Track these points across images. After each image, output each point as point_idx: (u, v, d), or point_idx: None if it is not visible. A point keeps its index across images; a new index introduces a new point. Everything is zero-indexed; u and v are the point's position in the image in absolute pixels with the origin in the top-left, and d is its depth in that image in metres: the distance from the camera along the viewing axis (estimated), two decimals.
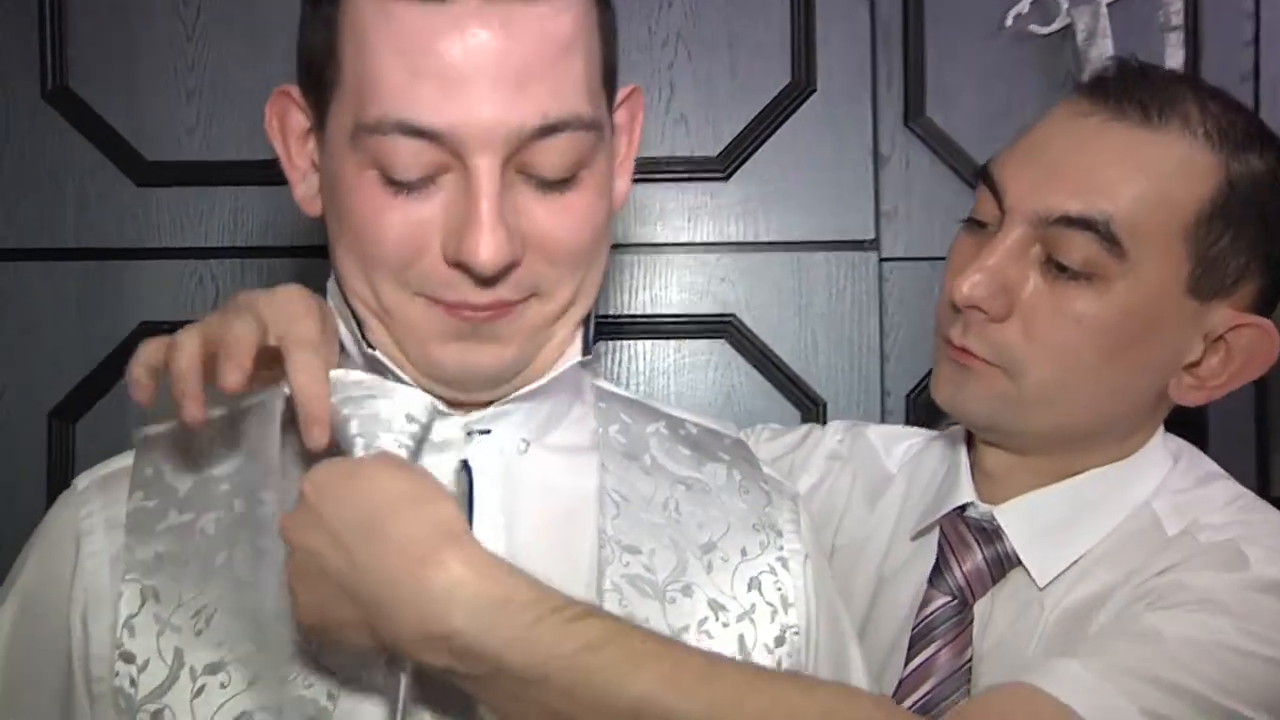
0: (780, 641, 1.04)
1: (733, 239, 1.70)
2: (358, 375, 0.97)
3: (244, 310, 0.97)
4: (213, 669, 0.96)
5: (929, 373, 1.63)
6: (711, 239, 1.70)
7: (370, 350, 1.00)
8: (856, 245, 1.69)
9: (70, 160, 1.69)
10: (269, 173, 1.59)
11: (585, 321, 1.03)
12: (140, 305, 1.69)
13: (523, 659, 0.88)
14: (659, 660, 0.91)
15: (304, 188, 1.02)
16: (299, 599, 0.91)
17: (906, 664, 1.21)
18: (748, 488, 1.10)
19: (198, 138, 1.69)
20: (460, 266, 0.93)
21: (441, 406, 0.99)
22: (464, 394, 1.00)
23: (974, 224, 1.22)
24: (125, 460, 1.04)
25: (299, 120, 1.01)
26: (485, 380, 0.99)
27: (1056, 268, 1.15)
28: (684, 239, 1.70)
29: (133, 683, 0.95)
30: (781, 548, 1.07)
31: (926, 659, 1.21)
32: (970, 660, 1.20)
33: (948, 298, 1.20)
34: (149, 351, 0.96)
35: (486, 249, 0.92)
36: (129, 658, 0.96)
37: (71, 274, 1.69)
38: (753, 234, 1.70)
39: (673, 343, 1.70)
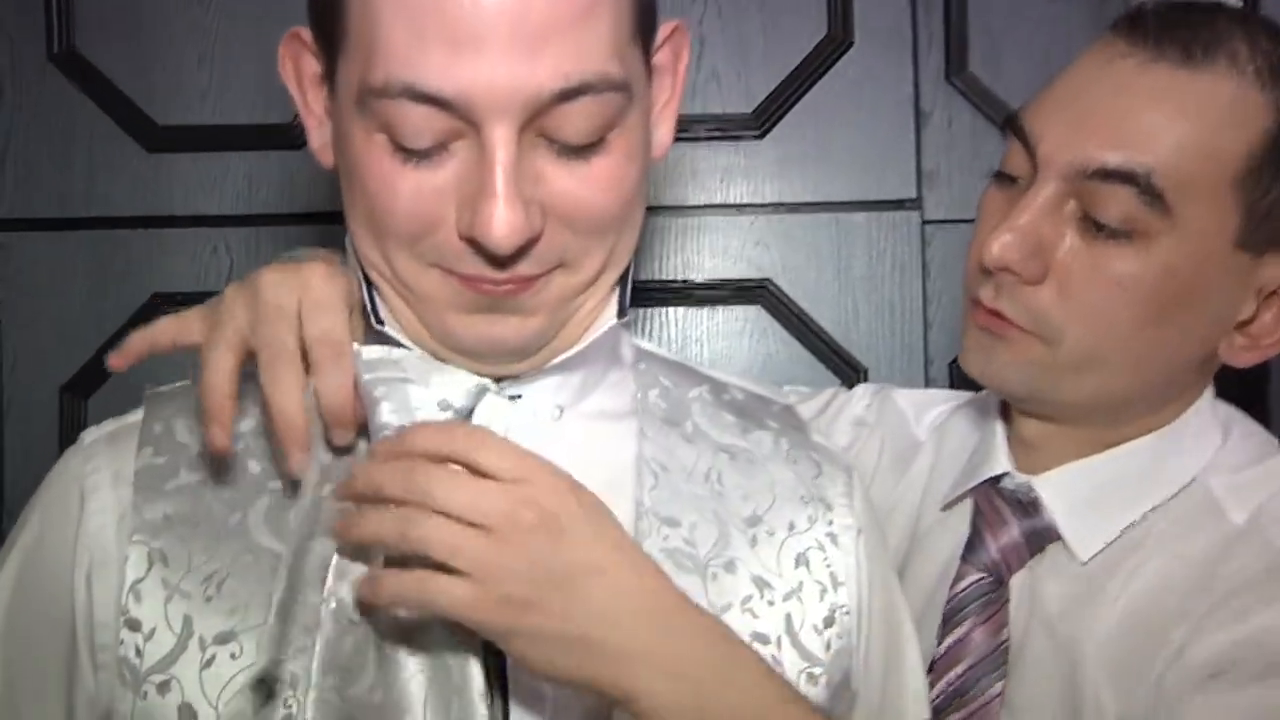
0: (829, 622, 0.98)
1: (768, 200, 1.63)
2: (400, 355, 0.93)
3: (277, 317, 0.92)
4: (223, 639, 0.90)
5: None
6: (745, 200, 1.63)
7: (379, 326, 0.94)
8: (897, 205, 1.62)
9: (78, 126, 1.63)
10: (285, 137, 1.59)
11: (621, 281, 0.97)
12: (153, 276, 1.63)
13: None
14: None
15: (319, 136, 0.96)
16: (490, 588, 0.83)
17: (939, 643, 1.15)
18: (796, 458, 1.03)
19: (210, 101, 1.63)
20: (474, 243, 0.87)
21: (491, 386, 0.93)
22: (487, 366, 0.94)
23: (1004, 178, 1.14)
24: (136, 416, 0.99)
25: (312, 64, 0.94)
26: (508, 353, 0.93)
27: (1094, 225, 1.07)
28: (717, 201, 1.63)
29: (138, 652, 0.90)
30: (831, 522, 1.01)
31: (960, 639, 1.15)
32: (1006, 640, 1.14)
33: (976, 259, 1.12)
34: (162, 329, 0.93)
35: (500, 227, 0.85)
36: (135, 625, 0.91)
37: (81, 244, 1.63)
38: (789, 195, 1.63)
39: (706, 309, 1.64)
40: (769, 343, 1.63)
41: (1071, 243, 1.08)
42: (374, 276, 0.94)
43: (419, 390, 0.91)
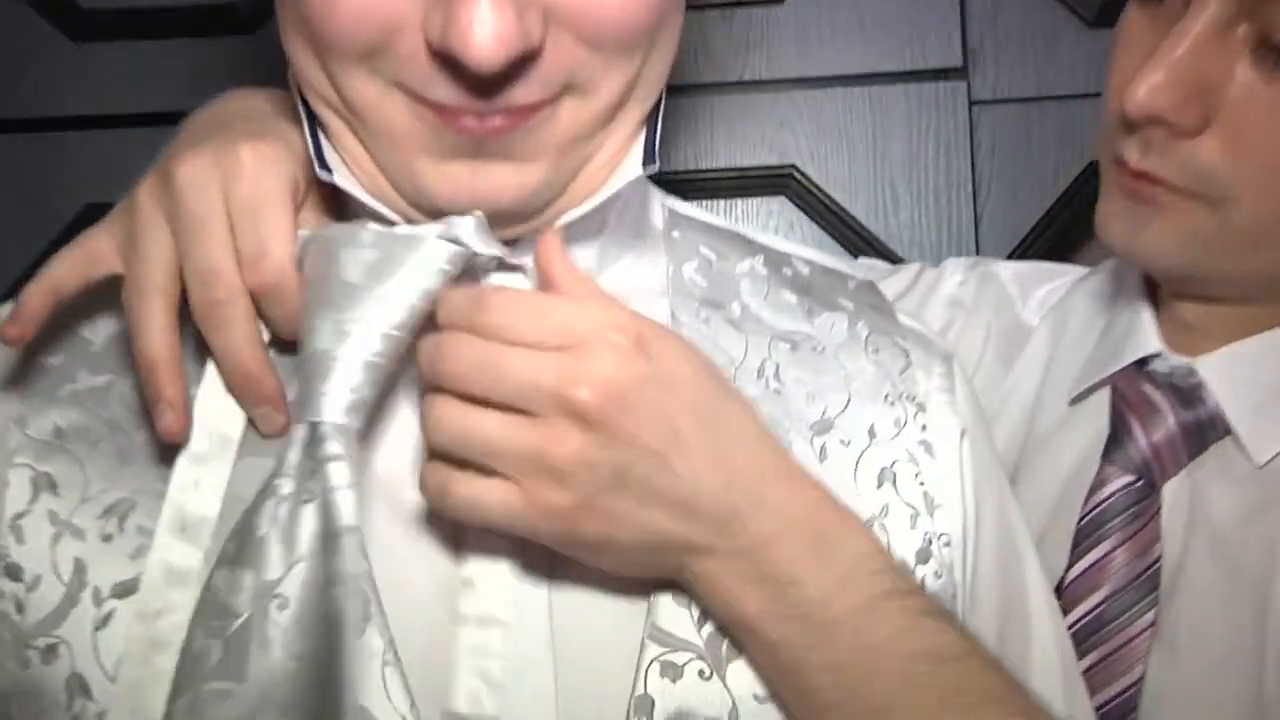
0: (924, 556, 0.78)
1: (790, 75, 1.43)
2: (353, 251, 0.71)
3: (207, 236, 0.72)
4: (124, 590, 0.71)
5: (1031, 232, 1.40)
6: (764, 76, 1.44)
7: (326, 175, 0.73)
8: (940, 75, 1.42)
9: None
10: (236, 19, 1.39)
11: (648, 120, 0.76)
12: (86, 185, 1.44)
13: (845, 637, 0.70)
14: (1003, 710, 0.72)
15: None
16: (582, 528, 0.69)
17: (1071, 565, 0.96)
18: (878, 345, 0.83)
19: None
20: (449, 58, 0.66)
21: (479, 245, 0.72)
22: None
23: None
24: None
25: None
26: (500, 214, 0.72)
27: (1274, 55, 0.85)
28: (731, 78, 1.44)
29: (19, 607, 0.72)
30: (925, 426, 0.81)
31: (1098, 561, 0.95)
32: (1159, 560, 0.94)
33: (1117, 107, 0.91)
34: (65, 272, 0.74)
35: (483, 37, 0.64)
36: (14, 572, 0.73)
37: (0, 150, 1.44)
38: (814, 68, 1.43)
39: (723, 203, 1.45)
40: (796, 238, 1.45)
41: (1243, 79, 0.87)
42: (319, 108, 0.73)
43: (372, 304, 0.70)
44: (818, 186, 1.44)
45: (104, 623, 0.71)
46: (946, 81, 1.43)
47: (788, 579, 0.69)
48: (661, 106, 0.77)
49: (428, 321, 0.71)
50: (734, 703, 0.72)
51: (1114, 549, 0.95)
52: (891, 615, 0.70)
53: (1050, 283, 1.14)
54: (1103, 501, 0.97)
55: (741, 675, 0.73)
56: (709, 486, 0.68)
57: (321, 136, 0.74)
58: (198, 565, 0.71)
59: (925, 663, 0.70)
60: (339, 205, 0.78)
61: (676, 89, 1.42)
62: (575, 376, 0.66)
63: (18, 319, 0.73)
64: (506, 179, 0.71)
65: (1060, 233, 1.42)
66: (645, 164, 0.76)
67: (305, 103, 0.74)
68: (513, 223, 0.73)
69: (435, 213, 0.72)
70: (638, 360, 0.67)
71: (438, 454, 0.70)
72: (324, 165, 0.73)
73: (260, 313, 0.74)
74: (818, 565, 0.70)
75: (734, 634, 0.72)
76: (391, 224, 0.74)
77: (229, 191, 0.73)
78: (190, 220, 0.73)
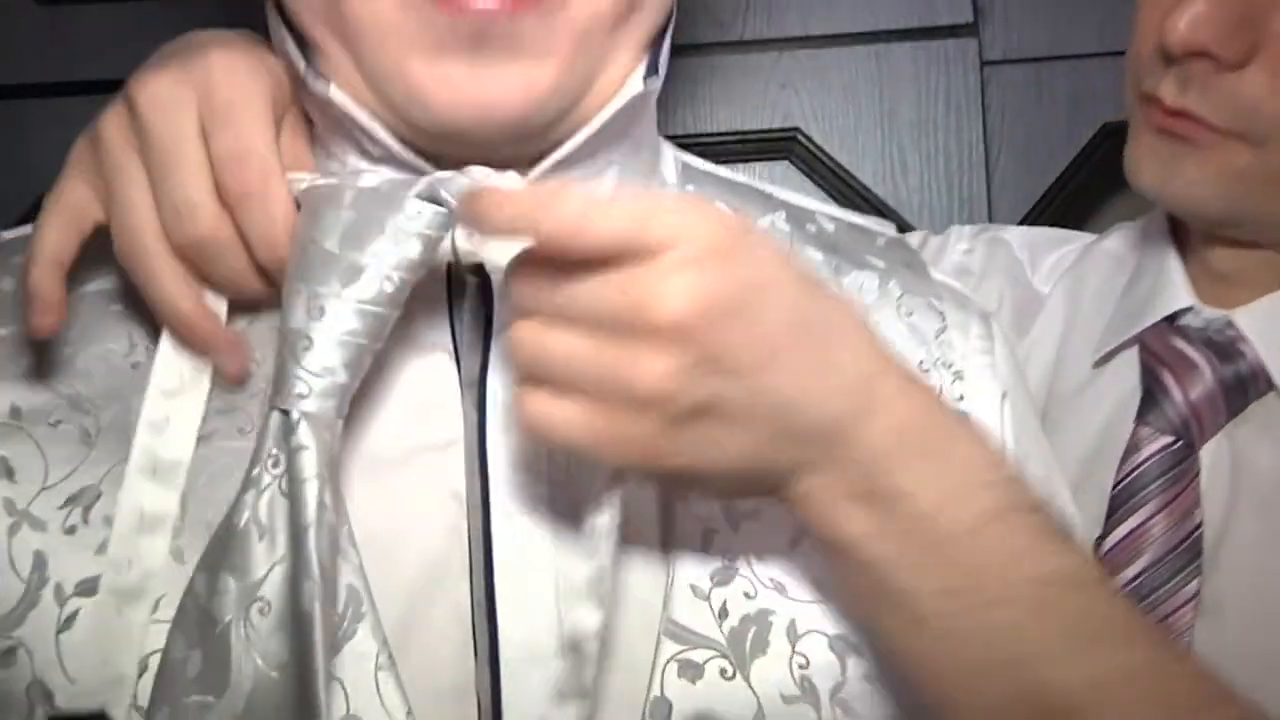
0: None
1: (793, 34, 1.39)
2: (348, 192, 0.65)
3: (181, 163, 0.66)
4: (90, 587, 0.65)
5: (1045, 196, 1.36)
6: (766, 35, 1.39)
7: (317, 85, 0.67)
8: (949, 32, 1.37)
9: None
10: None
11: (657, 41, 0.72)
12: (53, 157, 1.33)
13: (960, 556, 0.62)
14: (1133, 647, 0.65)
15: None
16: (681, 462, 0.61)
17: (1107, 534, 0.91)
18: (911, 306, 0.78)
19: None
20: None
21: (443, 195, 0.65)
22: (467, 152, 0.67)
23: None
24: None
25: None
26: (505, 125, 0.66)
27: None
28: (732, 37, 1.39)
29: None
30: (962, 396, 0.76)
31: (1137, 527, 0.91)
32: (1200, 526, 0.89)
33: (1151, 41, 0.87)
34: (57, 240, 0.68)
35: None
36: None
37: None
38: (818, 26, 1.38)
39: (723, 169, 1.39)
40: None
41: None
42: (303, 19, 0.68)
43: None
44: (822, 150, 1.39)
45: (67, 624, 0.65)
46: (956, 40, 1.38)
47: (897, 492, 0.62)
48: (671, 25, 0.73)
49: None
50: (759, 704, 0.67)
51: (1152, 516, 0.91)
52: (1008, 534, 0.63)
53: (1060, 249, 1.10)
54: (1138, 466, 0.93)
55: (767, 673, 0.67)
56: (810, 400, 0.61)
57: (310, 56, 0.69)
58: (173, 510, 0.66)
59: (1044, 587, 0.63)
60: (320, 144, 0.73)
61: (673, 48, 1.37)
62: (650, 295, 0.58)
63: (39, 309, 0.67)
64: (513, 81, 0.65)
65: (1075, 196, 1.38)
66: (647, 77, 0.72)
67: (288, 26, 0.69)
68: (511, 138, 0.67)
69: (433, 130, 0.66)
70: (724, 268, 0.59)
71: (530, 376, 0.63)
72: (317, 73, 0.68)
73: (242, 233, 0.68)
74: (928, 476, 0.63)
75: (834, 559, 0.66)
76: (382, 152, 0.69)
77: (202, 107, 0.68)
78: (159, 147, 0.67)
